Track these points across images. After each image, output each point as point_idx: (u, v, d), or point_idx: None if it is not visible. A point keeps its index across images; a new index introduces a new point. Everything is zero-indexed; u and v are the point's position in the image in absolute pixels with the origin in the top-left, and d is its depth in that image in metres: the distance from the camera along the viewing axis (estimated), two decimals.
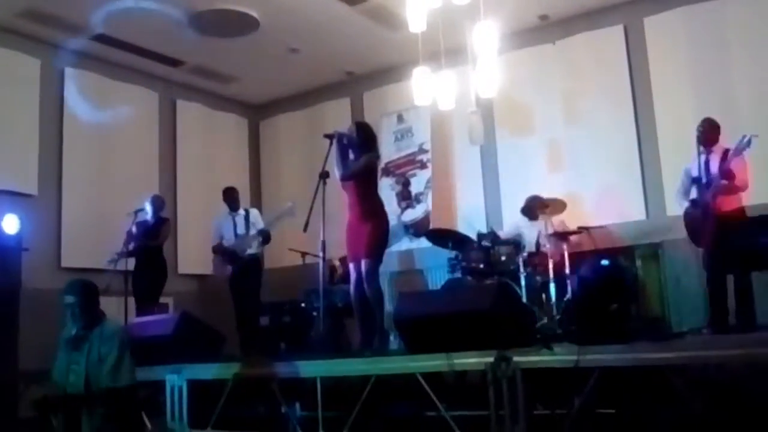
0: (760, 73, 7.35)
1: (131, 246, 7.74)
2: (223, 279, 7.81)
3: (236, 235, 7.84)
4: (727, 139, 6.14)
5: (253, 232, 7.76)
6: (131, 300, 7.63)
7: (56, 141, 8.44)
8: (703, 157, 6.11)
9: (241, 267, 7.69)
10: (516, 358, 4.22)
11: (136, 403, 4.77)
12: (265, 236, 7.76)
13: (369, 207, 5.88)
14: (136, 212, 7.85)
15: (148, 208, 7.93)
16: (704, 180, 6.03)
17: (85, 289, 4.43)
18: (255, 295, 7.81)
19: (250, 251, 7.77)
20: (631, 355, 4.12)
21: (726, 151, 5.99)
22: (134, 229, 7.82)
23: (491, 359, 4.25)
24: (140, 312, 7.50)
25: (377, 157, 6.13)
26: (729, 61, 7.51)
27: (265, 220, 7.91)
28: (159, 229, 7.95)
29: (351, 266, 5.94)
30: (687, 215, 6.23)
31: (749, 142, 5.73)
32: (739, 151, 5.79)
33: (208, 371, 5.69)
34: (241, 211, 8.00)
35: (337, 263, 8.03)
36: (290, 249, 7.98)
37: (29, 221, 7.29)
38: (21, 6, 7.63)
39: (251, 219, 7.90)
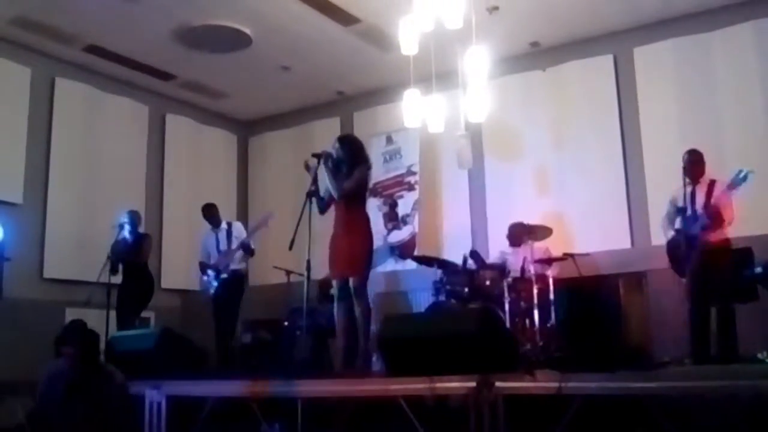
0: (746, 105, 7.42)
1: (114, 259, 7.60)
2: (209, 297, 7.76)
3: (219, 251, 7.81)
4: (712, 170, 6.17)
5: (234, 245, 7.72)
6: (113, 312, 7.49)
7: (44, 150, 8.40)
8: (689, 189, 6.07)
9: (222, 283, 7.65)
10: (498, 384, 4.19)
11: None
12: (245, 248, 7.72)
13: (355, 221, 5.85)
14: (120, 225, 7.74)
15: (126, 224, 7.74)
16: (689, 212, 6.02)
17: None
18: (233, 311, 7.72)
19: (232, 266, 7.72)
20: (614, 384, 4.10)
21: (712, 183, 6.00)
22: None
23: (473, 384, 4.22)
24: (121, 326, 7.42)
25: (368, 167, 6.03)
26: (716, 93, 7.59)
27: (248, 230, 7.88)
28: (140, 245, 7.83)
29: (334, 283, 5.90)
30: (670, 245, 6.23)
31: (746, 177, 5.62)
32: (735, 185, 5.69)
33: (188, 388, 5.62)
34: (224, 226, 7.96)
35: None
36: (275, 267, 7.94)
37: (12, 230, 7.22)
38: (12, 14, 7.60)
39: (234, 233, 7.85)
